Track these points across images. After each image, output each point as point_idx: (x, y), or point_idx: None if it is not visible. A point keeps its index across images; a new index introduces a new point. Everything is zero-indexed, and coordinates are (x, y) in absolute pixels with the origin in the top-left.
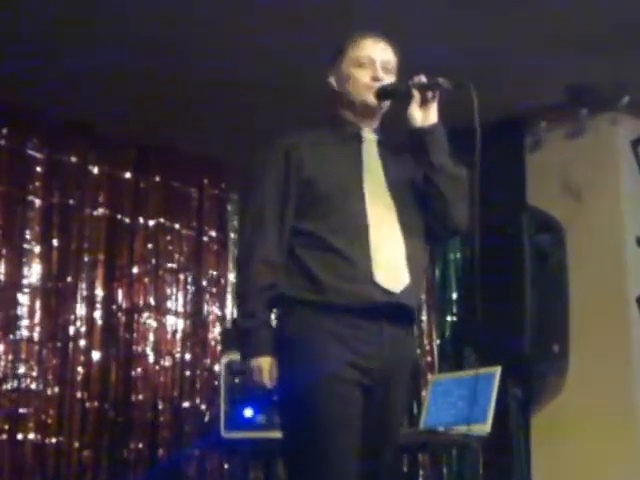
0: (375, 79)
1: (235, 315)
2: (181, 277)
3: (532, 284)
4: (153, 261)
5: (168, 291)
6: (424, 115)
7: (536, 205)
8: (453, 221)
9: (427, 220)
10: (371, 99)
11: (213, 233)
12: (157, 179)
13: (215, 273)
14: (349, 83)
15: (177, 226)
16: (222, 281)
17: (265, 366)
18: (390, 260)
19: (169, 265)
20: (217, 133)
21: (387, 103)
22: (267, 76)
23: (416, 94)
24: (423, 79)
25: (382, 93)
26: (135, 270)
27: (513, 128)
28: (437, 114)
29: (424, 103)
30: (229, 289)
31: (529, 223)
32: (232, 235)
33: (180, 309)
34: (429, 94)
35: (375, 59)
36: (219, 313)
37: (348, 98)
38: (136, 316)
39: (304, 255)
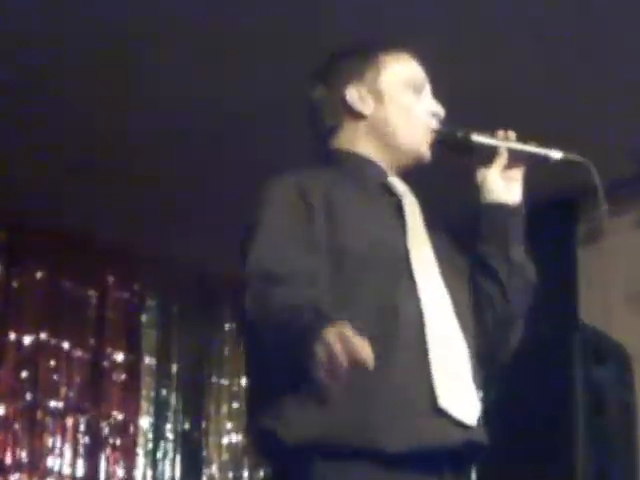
0: (435, 114)
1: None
2: (69, 422)
3: (586, 438)
4: (28, 396)
5: (49, 442)
6: (507, 187)
7: (592, 322)
8: (508, 346)
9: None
10: (424, 149)
11: (119, 356)
12: (38, 275)
13: (121, 416)
14: (396, 110)
15: (65, 345)
16: (131, 428)
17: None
18: (457, 376)
19: (52, 403)
20: (127, 212)
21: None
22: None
23: (504, 155)
24: (514, 139)
25: (447, 141)
26: (0, 410)
27: (562, 211)
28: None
29: (508, 170)
30: (140, 440)
31: (582, 349)
32: (147, 360)
33: (66, 470)
34: (520, 161)
35: (426, 86)
36: (124, 476)
37: (387, 129)
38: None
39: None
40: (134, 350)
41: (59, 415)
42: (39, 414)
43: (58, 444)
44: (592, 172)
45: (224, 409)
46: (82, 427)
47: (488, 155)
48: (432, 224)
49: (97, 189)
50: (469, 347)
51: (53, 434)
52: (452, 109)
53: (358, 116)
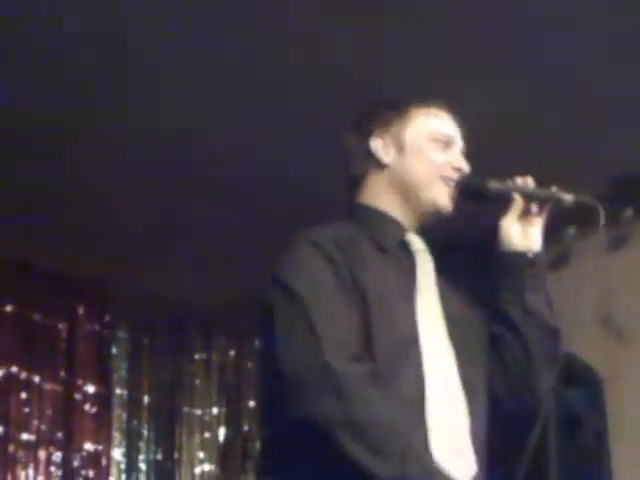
0: (458, 169)
1: None
2: (41, 454)
3: (559, 460)
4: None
5: (22, 475)
6: (524, 233)
7: (564, 347)
8: (534, 394)
9: (492, 386)
10: (444, 200)
11: (90, 388)
12: (7, 308)
13: (93, 448)
14: (417, 160)
15: (36, 378)
16: (103, 460)
17: None
18: (453, 436)
19: (24, 436)
20: (96, 244)
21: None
22: None
23: (519, 201)
24: (531, 185)
25: (465, 190)
26: None
27: None
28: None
29: (525, 216)
30: (113, 471)
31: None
32: (118, 391)
33: None
34: (535, 207)
35: (456, 141)
36: None
37: (407, 180)
38: None
39: None
40: (105, 382)
41: (31, 448)
42: (11, 447)
43: (31, 477)
44: (601, 216)
45: (196, 439)
46: (55, 459)
47: (504, 202)
48: (447, 279)
49: (67, 222)
50: (472, 409)
51: (25, 467)
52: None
53: (381, 166)
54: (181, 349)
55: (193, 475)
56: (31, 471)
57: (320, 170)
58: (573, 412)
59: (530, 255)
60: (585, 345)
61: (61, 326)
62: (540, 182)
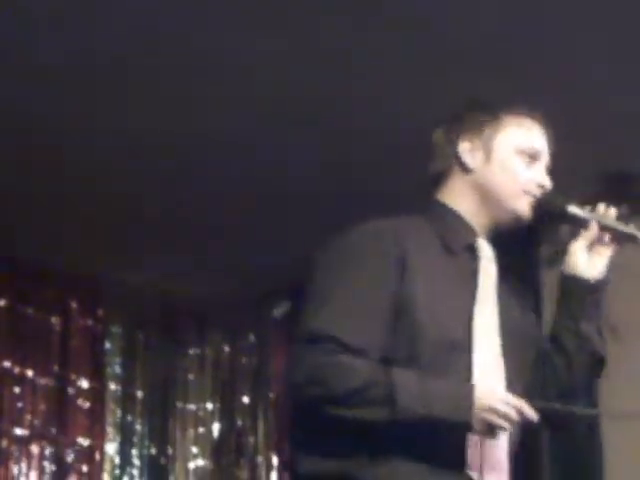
0: (541, 186)
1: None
2: (34, 449)
3: (552, 456)
4: None
5: (15, 470)
6: (591, 261)
7: None
8: (570, 424)
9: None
10: (522, 208)
11: (84, 383)
12: (1, 303)
13: (86, 443)
14: (501, 171)
15: (30, 373)
16: (97, 454)
17: (486, 394)
18: (496, 458)
19: (17, 431)
20: (91, 238)
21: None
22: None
23: (594, 229)
24: (611, 216)
25: (545, 209)
26: None
27: (524, 234)
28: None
29: (595, 244)
30: (106, 466)
31: None
32: (112, 386)
33: None
34: (607, 236)
35: (543, 157)
36: None
37: (488, 188)
38: None
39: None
40: (99, 376)
41: (24, 443)
42: (4, 442)
43: (24, 471)
44: None
45: (190, 434)
46: (48, 454)
47: (579, 227)
48: (512, 289)
49: (62, 216)
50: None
51: (18, 462)
52: None
53: (465, 169)
54: (175, 344)
55: (187, 470)
56: (24, 466)
57: (319, 170)
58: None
59: (592, 282)
60: None
61: (54, 321)
62: (621, 217)
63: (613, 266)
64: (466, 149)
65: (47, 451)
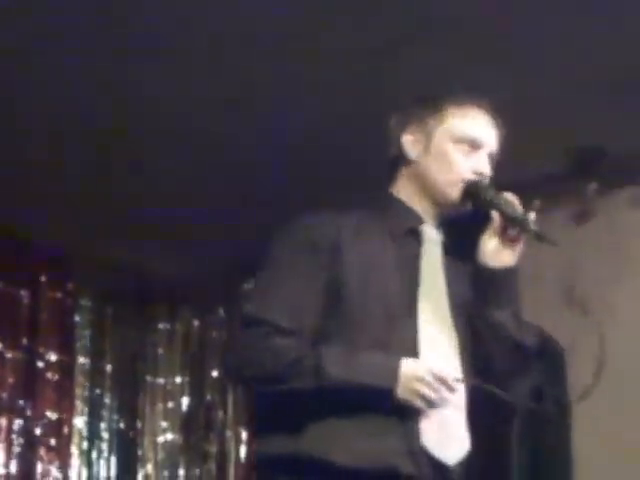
0: (479, 174)
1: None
2: (2, 422)
3: (520, 431)
4: None
5: None
6: (497, 251)
7: (525, 317)
8: (500, 405)
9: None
10: (455, 196)
11: (52, 357)
12: None
13: (55, 416)
14: (439, 161)
15: None
16: (65, 428)
17: (416, 366)
18: (446, 417)
19: None
20: (60, 211)
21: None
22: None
23: (496, 220)
24: (516, 207)
25: (470, 194)
26: None
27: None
28: (516, 256)
29: (503, 236)
30: (75, 439)
31: None
32: (81, 360)
33: (0, 470)
34: (512, 230)
35: (484, 144)
36: (59, 476)
37: (427, 178)
38: None
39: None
40: (68, 350)
41: None
42: None
43: None
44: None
45: (159, 408)
46: (16, 427)
47: (486, 215)
48: (460, 260)
49: (30, 188)
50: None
51: None
52: None
53: (408, 160)
54: (145, 318)
55: (156, 444)
56: None
57: (290, 157)
58: (535, 383)
59: (496, 271)
60: (548, 317)
61: (23, 293)
62: (528, 210)
63: (580, 243)
64: (408, 141)
65: (15, 424)
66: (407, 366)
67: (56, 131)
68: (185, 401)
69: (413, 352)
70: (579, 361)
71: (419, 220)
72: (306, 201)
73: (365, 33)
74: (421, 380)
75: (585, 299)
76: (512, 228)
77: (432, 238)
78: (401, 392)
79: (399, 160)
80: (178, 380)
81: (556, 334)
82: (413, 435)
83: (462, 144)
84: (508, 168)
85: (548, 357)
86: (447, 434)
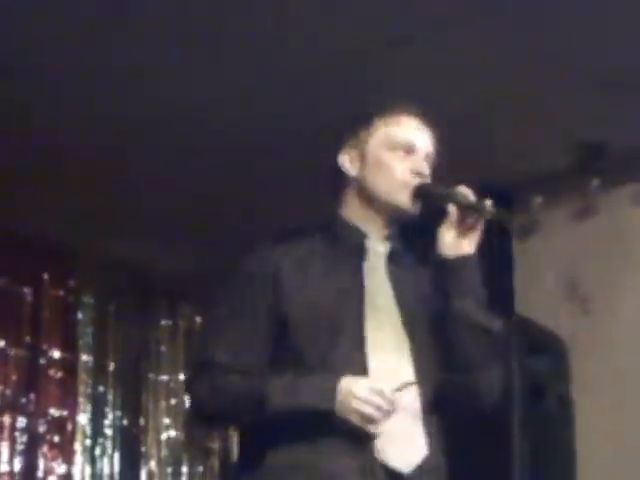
0: (417, 173)
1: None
2: (6, 420)
3: (523, 427)
4: None
5: None
6: (456, 242)
7: (528, 313)
8: (475, 394)
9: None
10: (404, 200)
11: (56, 353)
12: None
13: (58, 414)
14: (377, 171)
15: (1, 343)
16: (68, 425)
17: (353, 385)
18: (398, 426)
19: None
20: (63, 209)
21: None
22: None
23: (453, 211)
24: (470, 197)
25: (421, 194)
26: None
27: (496, 204)
28: (474, 245)
29: (461, 226)
30: (78, 436)
31: (518, 341)
32: (84, 357)
33: (4, 468)
34: (469, 219)
35: (418, 147)
36: (62, 473)
37: (369, 190)
38: None
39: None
40: (71, 347)
41: None
42: None
43: None
44: (510, 229)
45: (162, 405)
46: (19, 425)
47: (441, 209)
48: (412, 268)
49: (32, 186)
50: (423, 396)
51: None
52: None
53: (349, 179)
54: (147, 315)
55: (159, 441)
56: None
57: (290, 157)
58: (537, 379)
59: (452, 260)
60: (550, 313)
61: (26, 291)
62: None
63: (582, 239)
64: (346, 160)
65: (19, 422)
66: (345, 385)
67: (57, 130)
68: (188, 398)
69: (361, 366)
70: (581, 357)
71: (362, 235)
72: (306, 201)
73: (365, 33)
74: (358, 398)
75: (587, 295)
76: (470, 216)
77: (377, 251)
78: (341, 411)
79: (341, 181)
80: (181, 377)
81: (558, 330)
82: (366, 450)
83: (397, 150)
84: (510, 166)
85: (550, 353)
86: (401, 442)
